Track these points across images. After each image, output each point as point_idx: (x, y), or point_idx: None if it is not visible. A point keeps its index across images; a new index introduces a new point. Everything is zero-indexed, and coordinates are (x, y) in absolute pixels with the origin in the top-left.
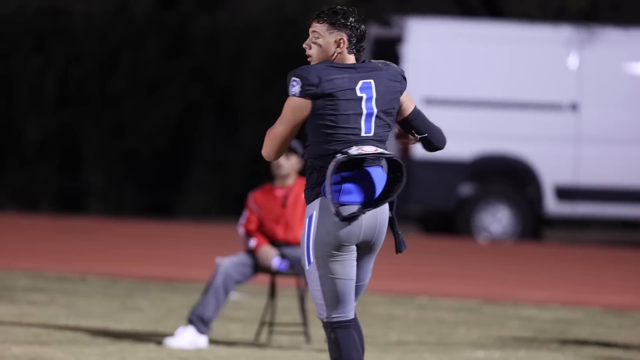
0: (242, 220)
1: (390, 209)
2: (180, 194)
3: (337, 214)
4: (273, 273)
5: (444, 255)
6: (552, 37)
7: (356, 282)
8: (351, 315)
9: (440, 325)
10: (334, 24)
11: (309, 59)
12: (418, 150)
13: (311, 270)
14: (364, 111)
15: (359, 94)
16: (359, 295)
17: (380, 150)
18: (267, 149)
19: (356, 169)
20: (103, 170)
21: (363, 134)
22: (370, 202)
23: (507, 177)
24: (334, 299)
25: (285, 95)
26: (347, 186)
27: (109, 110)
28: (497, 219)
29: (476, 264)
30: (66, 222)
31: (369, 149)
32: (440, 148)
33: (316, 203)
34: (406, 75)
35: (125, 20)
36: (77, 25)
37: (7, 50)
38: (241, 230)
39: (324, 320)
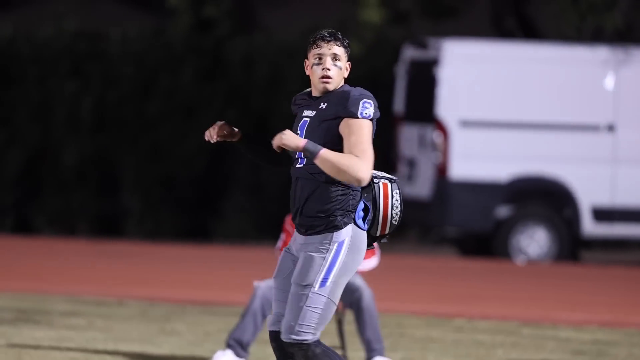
0: (280, 243)
1: None
2: (217, 217)
3: (380, 239)
4: None
5: (481, 277)
6: (588, 58)
7: None
8: None
9: (478, 348)
10: (346, 48)
11: (328, 80)
12: (455, 171)
13: (320, 292)
14: None
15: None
16: None
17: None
18: (369, 172)
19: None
20: (140, 194)
21: None
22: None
23: (544, 198)
24: (325, 321)
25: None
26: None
27: (145, 134)
28: (534, 241)
29: (514, 285)
30: (104, 246)
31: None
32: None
33: (349, 229)
34: (443, 97)
35: (162, 44)
36: (113, 49)
37: (44, 74)
38: (279, 253)
39: (311, 341)
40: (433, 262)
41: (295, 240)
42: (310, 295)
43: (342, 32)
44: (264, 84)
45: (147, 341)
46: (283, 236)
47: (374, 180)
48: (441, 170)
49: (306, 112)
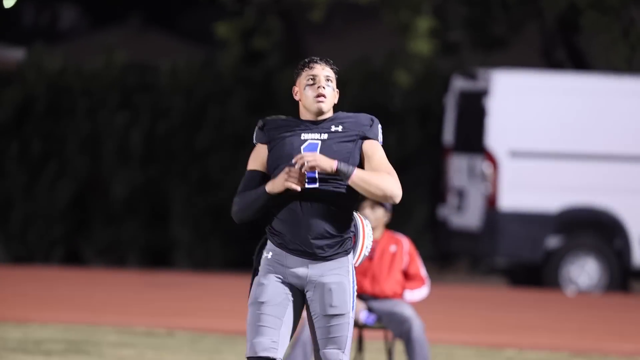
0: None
1: None
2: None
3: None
4: (360, 326)
5: (531, 308)
6: (638, 89)
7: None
8: None
9: None
10: (336, 73)
11: (322, 100)
12: (504, 202)
13: (352, 316)
14: None
15: None
16: None
17: None
18: (400, 188)
19: None
20: (190, 225)
21: None
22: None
23: (594, 229)
24: None
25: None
26: None
27: (195, 165)
28: (584, 271)
29: (564, 316)
30: (153, 277)
31: None
32: None
33: (350, 257)
34: (493, 128)
35: (211, 75)
36: (163, 81)
37: (94, 106)
38: None
39: None
40: (483, 293)
41: (288, 267)
42: (349, 323)
43: (392, 63)
44: None
45: None
46: None
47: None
48: (491, 201)
49: (310, 135)
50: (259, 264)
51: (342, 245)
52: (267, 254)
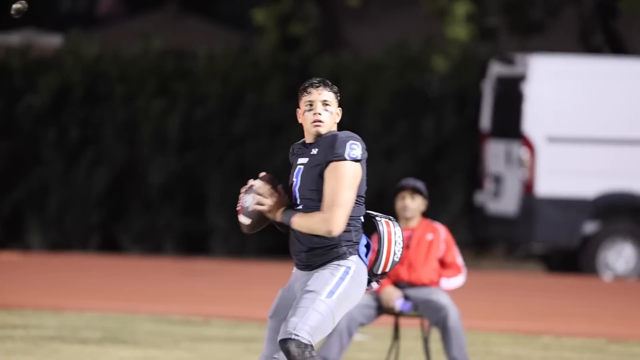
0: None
1: None
2: None
3: (376, 279)
4: (397, 314)
5: (568, 294)
6: None
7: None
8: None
9: None
10: (336, 94)
11: (319, 124)
12: (541, 188)
13: (325, 301)
14: None
15: None
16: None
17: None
18: (342, 221)
19: None
20: (226, 212)
21: None
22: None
23: (631, 214)
24: (322, 332)
25: (407, 136)
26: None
27: (232, 152)
28: (621, 257)
29: (601, 302)
30: (190, 265)
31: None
32: None
33: (355, 259)
34: (530, 113)
35: (248, 62)
36: (200, 67)
37: (131, 93)
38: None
39: (308, 342)
40: (519, 279)
41: (297, 279)
42: (316, 300)
43: (429, 49)
44: (350, 101)
45: None
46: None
47: (377, 218)
48: (528, 187)
49: (300, 160)
50: None
51: (335, 250)
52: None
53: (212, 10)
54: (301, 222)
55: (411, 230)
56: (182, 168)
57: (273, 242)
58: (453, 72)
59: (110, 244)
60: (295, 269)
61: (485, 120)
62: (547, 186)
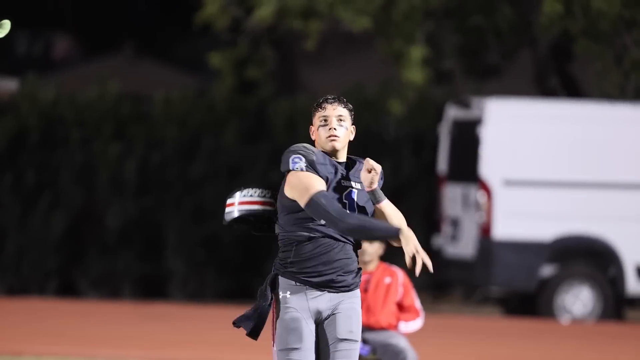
0: None
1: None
2: (261, 278)
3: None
4: None
5: (526, 337)
6: (632, 116)
7: None
8: None
9: None
10: (351, 111)
11: (335, 139)
12: (499, 231)
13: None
14: None
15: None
16: None
17: None
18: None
19: None
20: (184, 256)
21: None
22: None
23: (589, 257)
24: None
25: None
26: None
27: (189, 196)
28: (579, 300)
29: (558, 345)
30: (148, 309)
31: None
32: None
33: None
34: (487, 157)
35: (205, 105)
36: (156, 111)
37: (88, 137)
38: None
39: None
40: (477, 322)
41: (310, 301)
42: (357, 351)
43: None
44: (307, 144)
45: None
46: None
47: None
48: (485, 230)
49: (351, 184)
50: (269, 303)
51: (358, 275)
52: (284, 294)
53: (169, 54)
54: (391, 207)
55: (369, 274)
56: (140, 212)
57: (231, 286)
58: (409, 115)
59: (68, 289)
60: (305, 292)
61: (442, 164)
62: (504, 229)
